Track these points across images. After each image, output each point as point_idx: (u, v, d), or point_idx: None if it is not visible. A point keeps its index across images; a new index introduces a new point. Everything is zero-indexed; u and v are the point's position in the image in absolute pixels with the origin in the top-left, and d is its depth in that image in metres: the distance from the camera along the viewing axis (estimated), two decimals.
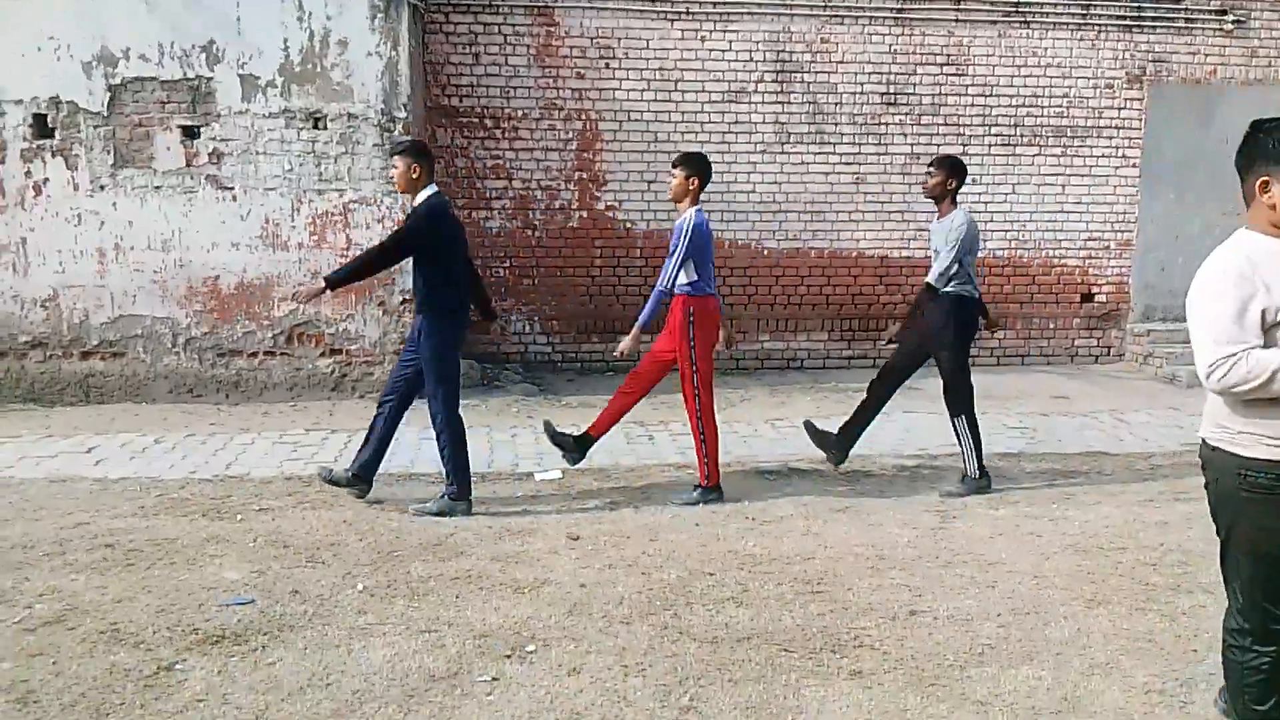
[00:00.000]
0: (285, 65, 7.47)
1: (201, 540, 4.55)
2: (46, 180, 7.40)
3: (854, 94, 8.90)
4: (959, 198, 5.43)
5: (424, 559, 4.33)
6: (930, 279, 5.31)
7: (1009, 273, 9.24)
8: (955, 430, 5.47)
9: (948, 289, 5.29)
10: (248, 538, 4.59)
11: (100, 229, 7.49)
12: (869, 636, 3.51)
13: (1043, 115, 9.06)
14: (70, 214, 7.46)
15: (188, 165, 7.50)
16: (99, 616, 3.71)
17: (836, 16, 8.79)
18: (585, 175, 8.84)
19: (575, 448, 5.45)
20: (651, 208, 8.91)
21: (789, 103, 8.86)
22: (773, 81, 8.82)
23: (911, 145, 8.98)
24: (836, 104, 8.89)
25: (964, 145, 9.01)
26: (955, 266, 5.24)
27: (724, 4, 8.67)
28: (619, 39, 8.68)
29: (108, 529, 4.72)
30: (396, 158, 5.09)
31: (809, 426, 5.85)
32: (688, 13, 8.68)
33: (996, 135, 9.04)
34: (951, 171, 5.33)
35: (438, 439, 5.13)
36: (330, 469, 5.37)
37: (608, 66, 8.72)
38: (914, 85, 8.92)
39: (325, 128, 7.59)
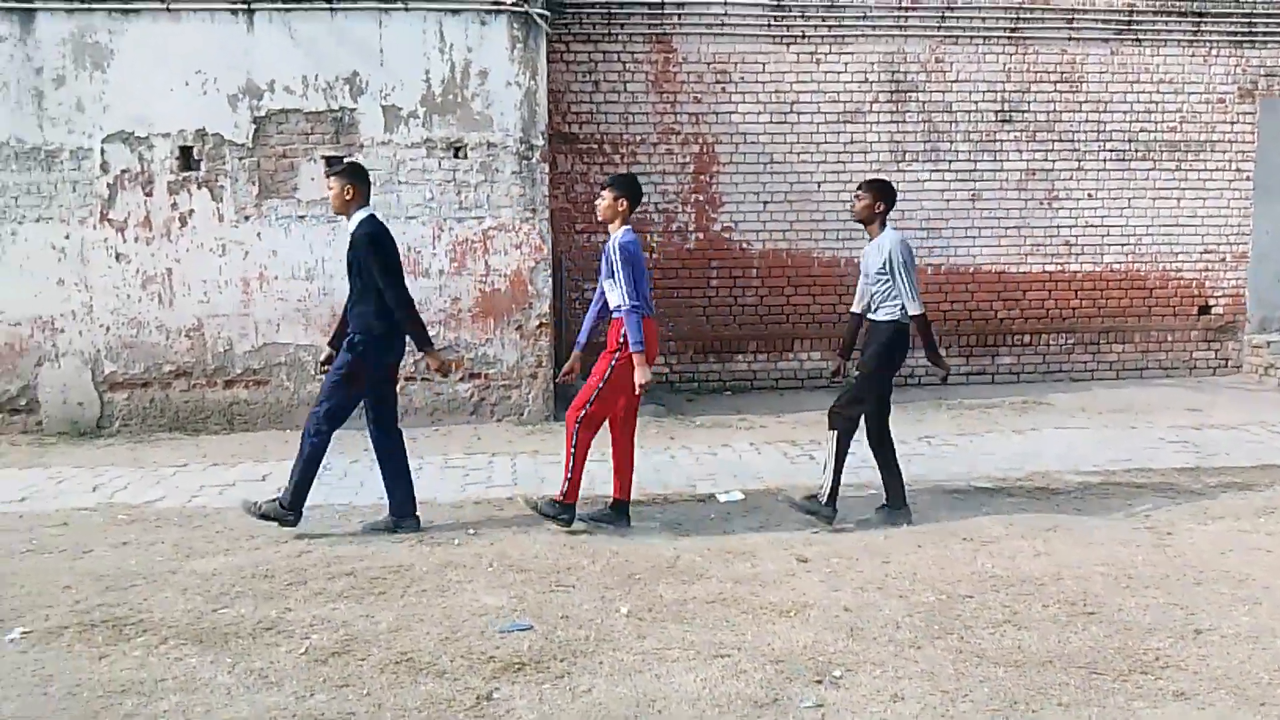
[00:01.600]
0: (427, 96, 7.58)
1: (437, 565, 4.59)
2: (192, 211, 7.51)
3: (969, 112, 8.98)
4: (891, 218, 5.36)
5: (666, 581, 4.37)
6: (915, 311, 5.12)
7: (1125, 286, 9.27)
8: (826, 444, 5.25)
9: (880, 315, 5.20)
10: (480, 562, 4.64)
11: (244, 259, 7.59)
12: (1169, 657, 3.53)
13: (1156, 130, 9.12)
14: (215, 244, 7.56)
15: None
16: (384, 646, 3.75)
17: (951, 37, 8.88)
18: (701, 198, 8.93)
19: (618, 518, 5.23)
20: (767, 228, 8.99)
21: (904, 122, 8.94)
22: (888, 101, 8.91)
23: (1027, 162, 9.05)
24: (951, 122, 8.97)
25: (1079, 161, 9.09)
26: (905, 286, 5.10)
27: (839, 27, 8.78)
28: (735, 64, 8.79)
29: (335, 555, 4.76)
30: (332, 179, 5.19)
31: (864, 523, 5.29)
32: (804, 37, 8.78)
33: (1111, 151, 9.11)
34: (879, 194, 5.26)
35: (301, 441, 5.07)
36: (382, 520, 5.25)
37: (724, 90, 8.82)
38: (1028, 102, 9.00)
39: (465, 156, 7.68)
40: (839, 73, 8.85)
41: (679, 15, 8.66)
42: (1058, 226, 9.18)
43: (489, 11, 7.52)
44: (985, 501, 5.62)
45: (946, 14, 8.83)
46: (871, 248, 5.28)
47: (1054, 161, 9.08)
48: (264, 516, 5.07)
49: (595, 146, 8.77)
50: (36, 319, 7.48)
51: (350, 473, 6.40)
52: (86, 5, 7.21)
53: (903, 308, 5.14)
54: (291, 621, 4.00)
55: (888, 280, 5.14)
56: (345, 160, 5.40)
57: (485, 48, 7.57)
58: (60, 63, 7.27)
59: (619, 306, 5.10)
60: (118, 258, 7.48)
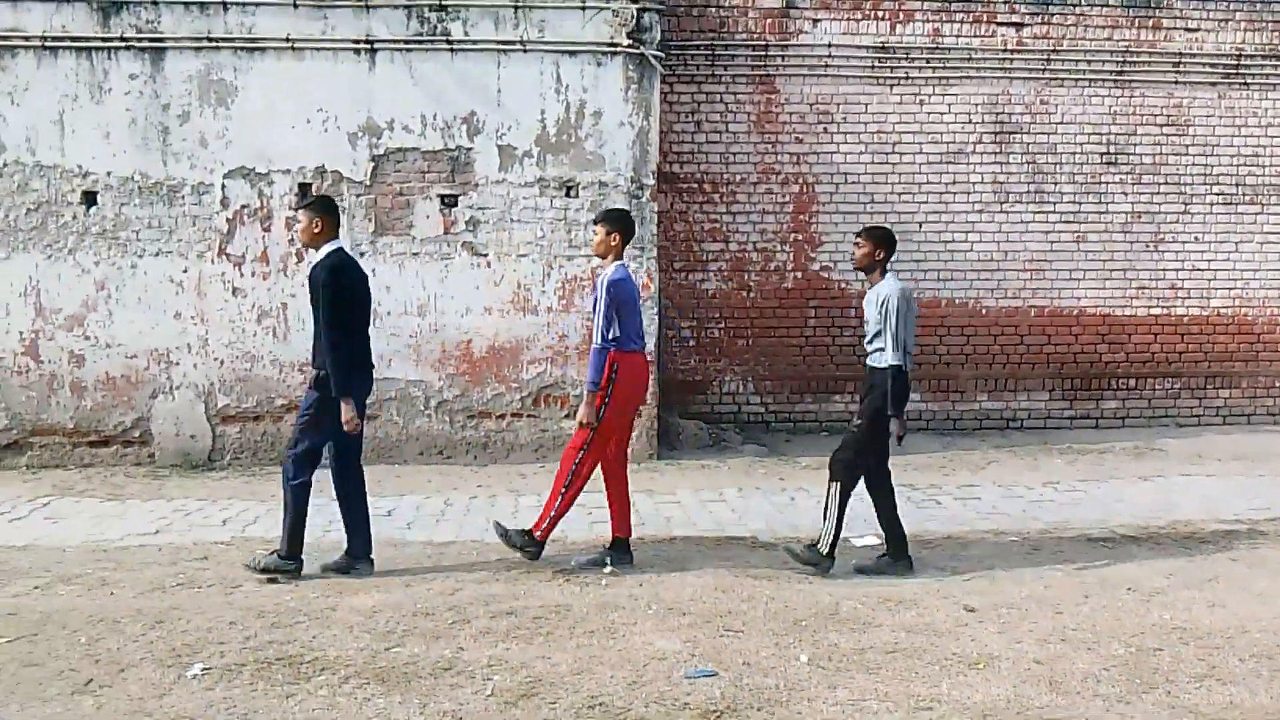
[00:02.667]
0: (541, 136, 7.66)
1: (595, 606, 4.54)
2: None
3: (1073, 154, 8.92)
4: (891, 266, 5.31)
5: (835, 629, 4.28)
6: (892, 361, 5.03)
7: (1232, 331, 9.11)
8: (826, 495, 5.14)
9: (879, 362, 5.11)
10: (637, 604, 4.58)
11: None
12: None
13: (1264, 174, 9.00)
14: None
15: (445, 232, 7.68)
16: (571, 689, 3.69)
17: (1056, 79, 8.85)
18: (801, 237, 8.91)
19: (619, 558, 5.21)
20: None
21: (1007, 163, 8.89)
22: (991, 143, 8.87)
23: (1132, 204, 8.96)
24: (1056, 164, 8.91)
25: (1185, 204, 8.98)
26: (904, 337, 5.05)
27: (944, 69, 8.78)
28: (838, 104, 8.81)
29: (489, 594, 4.73)
30: (300, 211, 5.19)
31: (860, 568, 5.21)
32: (907, 78, 8.79)
33: (1218, 194, 8.99)
34: (879, 242, 5.20)
35: (283, 487, 5.03)
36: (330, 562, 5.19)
37: (825, 131, 8.83)
38: (1134, 145, 8.93)
39: (577, 195, 7.74)
40: (942, 114, 8.83)
41: (783, 57, 8.71)
42: (1163, 269, 9.05)
43: (605, 53, 7.61)
44: (1133, 550, 5.48)
45: (1052, 57, 8.81)
46: (871, 295, 5.20)
47: (1160, 204, 8.97)
48: (265, 571, 4.96)
49: (695, 186, 8.80)
50: (152, 351, 7.59)
51: (472, 509, 6.38)
52: (214, 44, 7.39)
53: (900, 357, 5.06)
54: (468, 662, 3.96)
55: (883, 330, 5.08)
56: (316, 195, 5.27)
57: (600, 88, 7.65)
58: (186, 100, 7.44)
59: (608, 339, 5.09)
60: (234, 292, 7.59)
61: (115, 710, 3.57)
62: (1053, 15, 8.87)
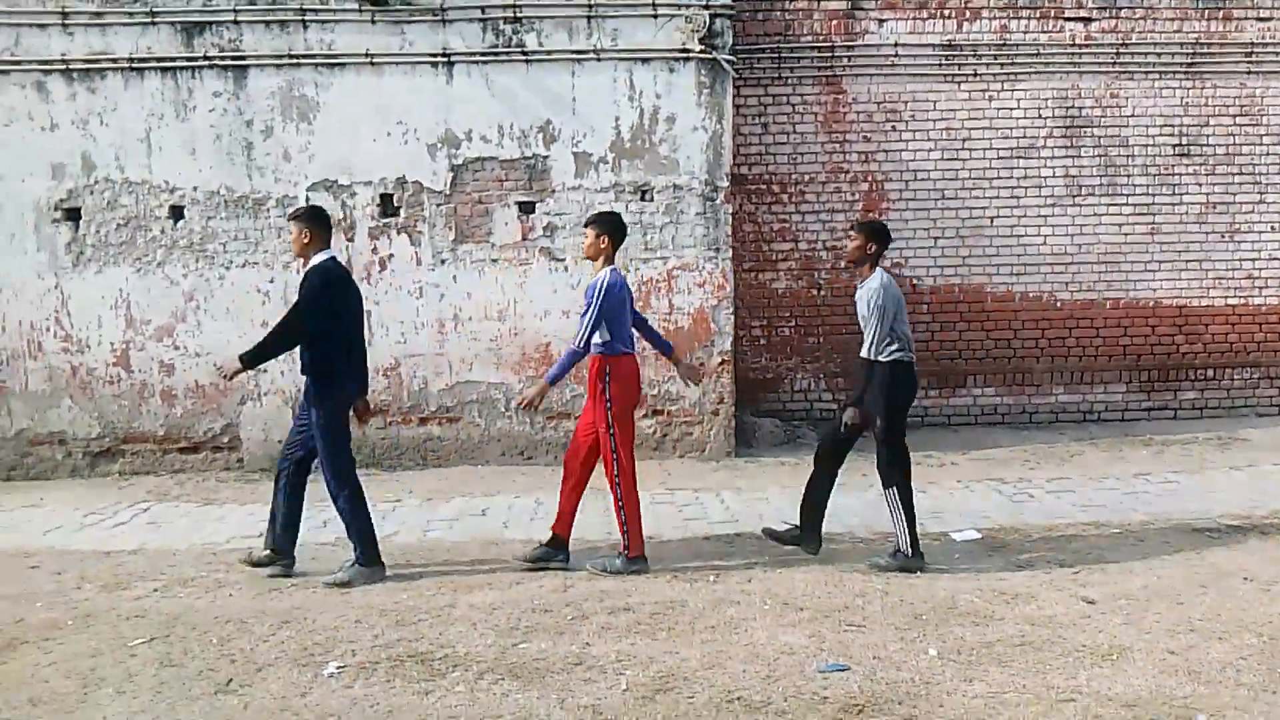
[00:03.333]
0: (616, 142, 7.73)
1: (710, 602, 4.58)
2: (391, 256, 7.74)
3: (1146, 146, 8.83)
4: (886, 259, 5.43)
5: (957, 623, 4.28)
6: (867, 354, 5.13)
7: None
8: (887, 502, 5.19)
9: (882, 357, 5.12)
10: (750, 599, 4.61)
11: (440, 300, 7.78)
12: None
13: None
14: (413, 287, 7.77)
15: (523, 239, 7.77)
16: (706, 684, 3.73)
17: (1126, 72, 8.77)
18: None
19: (554, 555, 5.24)
20: (938, 263, 8.91)
21: (1079, 156, 8.82)
22: (1062, 136, 8.81)
23: (1207, 195, 8.85)
24: (1128, 156, 8.83)
25: (1261, 193, 8.86)
26: (888, 334, 5.08)
27: (1012, 65, 8.73)
28: (905, 102, 8.79)
29: (599, 590, 4.79)
30: (291, 223, 5.19)
31: (768, 533, 5.47)
32: (975, 75, 8.76)
33: None
34: (871, 236, 5.20)
35: (335, 505, 5.10)
36: (252, 551, 5.34)
37: (894, 129, 8.82)
38: (1207, 136, 8.82)
39: (652, 199, 7.80)
40: (1011, 109, 8.78)
41: (849, 57, 8.72)
42: (1240, 259, 8.93)
43: (678, 59, 7.67)
44: (1240, 540, 5.41)
45: (1121, 50, 8.73)
46: (861, 291, 5.22)
47: (1235, 194, 8.86)
48: (346, 584, 4.97)
49: (764, 187, 8.82)
50: None
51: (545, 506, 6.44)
52: (294, 61, 7.55)
53: (900, 348, 5.11)
54: (597, 657, 4.01)
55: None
56: (305, 205, 5.30)
57: (673, 94, 7.70)
58: (269, 115, 7.60)
59: (596, 344, 5.10)
60: None
61: (261, 708, 3.66)
62: (1121, 9, 8.79)
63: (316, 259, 5.14)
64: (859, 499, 6.59)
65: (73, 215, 7.61)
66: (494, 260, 7.79)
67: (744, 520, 6.07)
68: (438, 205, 7.71)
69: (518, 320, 7.82)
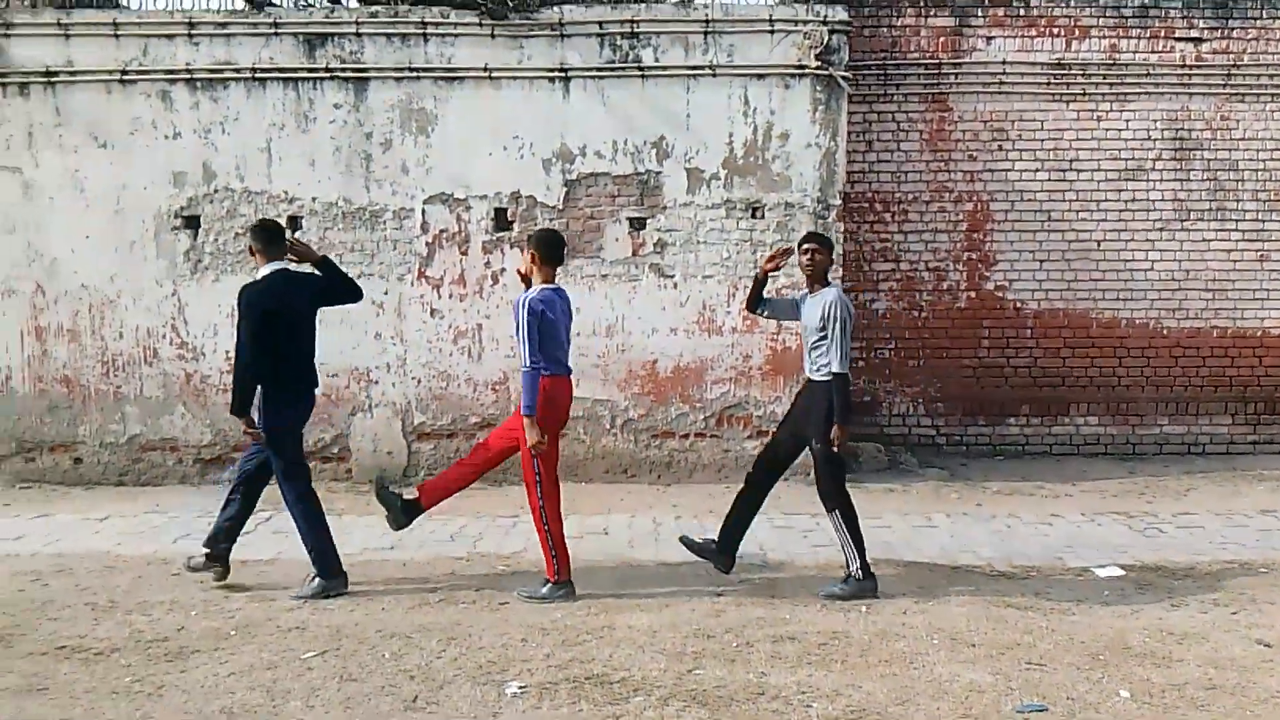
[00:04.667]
0: (729, 159, 7.72)
1: (875, 634, 4.53)
2: (504, 270, 7.77)
3: (1256, 170, 8.69)
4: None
5: (1137, 664, 4.20)
6: (837, 368, 5.06)
7: None
8: (833, 526, 5.14)
9: (824, 375, 5.10)
10: (914, 632, 4.56)
11: None
12: None
13: None
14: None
15: (633, 254, 7.78)
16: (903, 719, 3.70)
17: (1237, 94, 8.65)
18: (974, 256, 8.82)
19: (403, 512, 5.33)
20: (1043, 287, 8.81)
21: (1188, 180, 8.70)
22: (1171, 159, 8.69)
23: None
24: (1238, 180, 8.69)
25: None
26: (839, 344, 5.04)
27: (1121, 85, 8.64)
28: (1012, 121, 8.72)
29: (753, 617, 4.75)
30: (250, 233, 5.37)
31: (686, 541, 5.50)
32: (1084, 94, 8.67)
33: None
34: (830, 248, 5.31)
35: (294, 521, 5.20)
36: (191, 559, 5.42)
37: (1000, 148, 8.75)
38: None
39: (763, 217, 7.78)
40: (1120, 130, 8.69)
41: (956, 74, 8.66)
42: None
43: (793, 75, 7.65)
44: None
45: (1233, 71, 8.61)
46: (814, 301, 5.19)
47: None
48: (312, 597, 5.09)
49: (866, 205, 8.78)
50: (353, 370, 7.82)
51: (680, 529, 6.42)
52: (414, 74, 7.61)
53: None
54: (777, 686, 3.98)
55: (825, 338, 5.08)
56: (257, 219, 5.55)
57: (787, 110, 7.68)
58: (388, 128, 7.67)
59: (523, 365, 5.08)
60: (432, 313, 7.78)
61: None
62: (1232, 30, 8.68)
63: (262, 271, 5.24)
64: (984, 528, 6.52)
65: (192, 223, 7.72)
66: (603, 276, 7.80)
67: (874, 548, 5.97)
68: (550, 220, 7.74)
69: (625, 337, 7.82)
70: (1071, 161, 8.73)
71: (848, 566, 5.13)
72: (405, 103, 7.66)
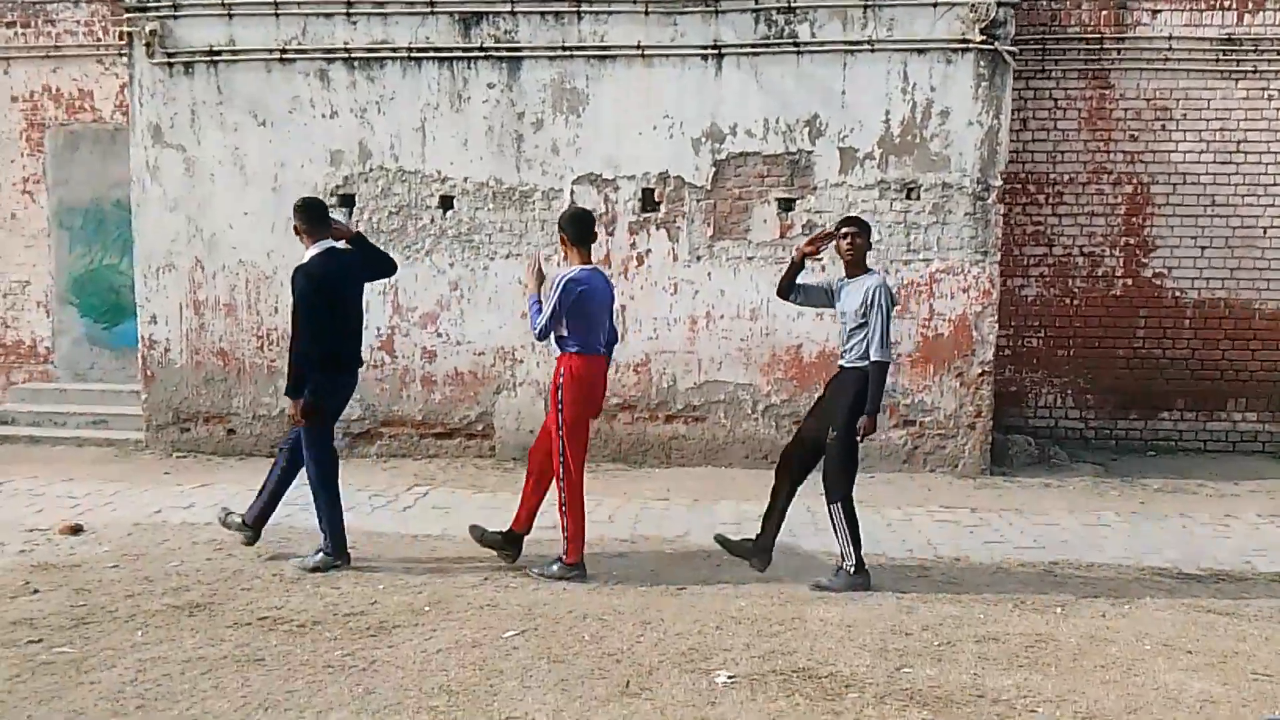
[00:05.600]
0: (885, 137, 7.51)
1: (1084, 637, 4.36)
2: (649, 251, 7.72)
3: None
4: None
5: None
6: (876, 355, 4.87)
7: None
8: (831, 517, 5.01)
9: (857, 363, 4.94)
10: (1126, 637, 4.38)
11: (694, 298, 7.73)
12: None
13: None
14: (668, 283, 7.74)
15: (781, 236, 7.65)
16: None
17: None
18: (1132, 241, 8.45)
19: (509, 544, 5.28)
20: (1204, 275, 8.41)
21: None
22: None
23: None
24: None
25: None
26: (879, 331, 4.87)
27: None
28: (1177, 100, 8.30)
29: (947, 615, 4.62)
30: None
31: (721, 540, 5.31)
32: (1255, 71, 8.19)
33: None
34: (868, 232, 5.12)
35: (314, 498, 5.22)
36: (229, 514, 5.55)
37: (1163, 128, 8.34)
38: None
39: (918, 198, 7.56)
40: None
41: (1119, 50, 8.27)
42: None
43: (956, 50, 7.39)
44: None
45: None
46: (853, 287, 5.02)
47: None
48: (316, 569, 5.16)
49: (1019, 187, 8.46)
50: (499, 349, 7.88)
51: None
52: (568, 53, 7.58)
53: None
54: (994, 690, 3.85)
55: (865, 325, 4.90)
56: (303, 198, 5.47)
57: (948, 87, 7.43)
58: (540, 108, 7.66)
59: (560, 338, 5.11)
60: None
61: (679, 717, 3.62)
62: None
63: (310, 251, 5.20)
64: (1160, 529, 6.25)
65: (347, 202, 7.84)
66: (750, 258, 7.68)
67: (1050, 548, 5.81)
68: (698, 201, 7.65)
69: (770, 320, 7.70)
70: (1239, 143, 8.28)
71: (842, 559, 5.04)
72: (558, 82, 7.63)
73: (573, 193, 7.68)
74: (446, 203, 7.79)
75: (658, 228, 7.71)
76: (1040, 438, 8.45)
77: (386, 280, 7.82)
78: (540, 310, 5.08)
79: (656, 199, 7.69)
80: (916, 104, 7.48)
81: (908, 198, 7.57)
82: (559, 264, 5.32)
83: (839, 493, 5.00)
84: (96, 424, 8.81)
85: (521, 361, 7.87)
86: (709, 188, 7.64)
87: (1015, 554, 5.72)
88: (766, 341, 7.73)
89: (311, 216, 5.22)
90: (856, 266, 5.07)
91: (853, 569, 5.01)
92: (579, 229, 5.22)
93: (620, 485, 7.22)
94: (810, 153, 7.57)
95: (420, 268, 7.82)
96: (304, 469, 5.34)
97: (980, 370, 7.61)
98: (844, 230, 5.06)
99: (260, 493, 5.46)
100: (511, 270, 7.78)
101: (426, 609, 4.67)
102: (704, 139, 7.60)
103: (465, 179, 7.75)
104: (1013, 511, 6.59)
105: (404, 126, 7.74)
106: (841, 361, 5.11)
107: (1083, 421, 8.62)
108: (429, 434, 7.98)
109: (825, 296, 5.26)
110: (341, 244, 5.31)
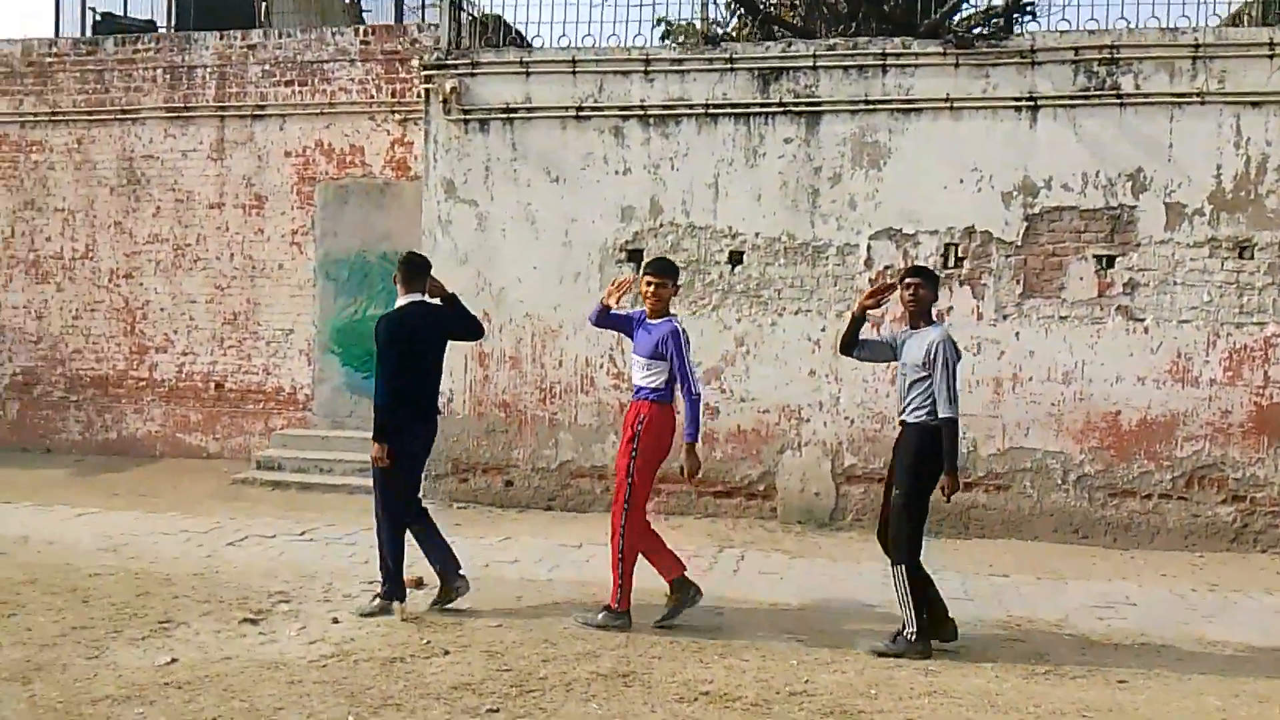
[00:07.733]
0: (1216, 193, 7.05)
1: None
2: (951, 309, 7.39)
3: None
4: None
5: None
6: (944, 413, 4.73)
7: None
8: (894, 580, 4.80)
9: (918, 418, 4.80)
10: None
11: (999, 358, 7.35)
12: None
13: None
14: (970, 342, 7.33)
15: (1099, 295, 7.22)
16: None
17: None
18: None
19: (685, 589, 5.13)
20: None
21: None
22: None
23: None
24: None
25: None
26: (945, 386, 4.73)
27: None
28: None
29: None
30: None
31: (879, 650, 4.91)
32: None
33: None
34: (935, 283, 5.07)
35: (378, 536, 5.22)
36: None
37: None
38: None
39: (1252, 257, 7.04)
40: None
41: None
42: None
43: None
44: None
45: None
46: (916, 341, 4.88)
47: None
48: (374, 615, 5.10)
49: None
50: (785, 407, 7.65)
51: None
52: (870, 107, 7.41)
53: (932, 411, 4.75)
54: None
55: (927, 379, 4.75)
56: (407, 251, 5.66)
57: None
58: (838, 162, 7.50)
59: (647, 385, 5.06)
60: None
61: None
62: None
63: (398, 302, 5.31)
64: None
65: (635, 256, 7.79)
66: (1063, 317, 7.28)
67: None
68: (1006, 257, 7.31)
69: (1084, 384, 7.24)
70: None
71: (903, 626, 4.79)
72: (858, 136, 7.46)
73: (869, 248, 7.46)
74: (736, 258, 7.67)
75: (961, 284, 7.39)
76: None
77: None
78: (684, 365, 5.04)
79: (960, 254, 7.39)
80: (1250, 158, 7.00)
81: (1240, 256, 7.06)
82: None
83: (902, 555, 4.84)
84: (363, 472, 8.92)
85: (808, 420, 7.61)
86: (1019, 243, 7.30)
87: (1133, 625, 5.13)
88: (1080, 406, 7.26)
89: (409, 270, 5.38)
90: (920, 318, 4.99)
91: (913, 636, 4.77)
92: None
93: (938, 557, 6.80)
94: (1133, 208, 7.15)
95: (706, 322, 7.69)
96: (425, 516, 5.39)
97: None
98: (908, 281, 5.00)
99: (431, 560, 5.35)
100: (800, 326, 7.58)
101: (872, 693, 4.32)
102: (1015, 192, 7.28)
103: (756, 234, 7.62)
104: None
105: (696, 182, 7.69)
106: (902, 417, 4.96)
107: None
108: (708, 492, 7.77)
109: (888, 351, 5.17)
110: (434, 299, 5.42)
